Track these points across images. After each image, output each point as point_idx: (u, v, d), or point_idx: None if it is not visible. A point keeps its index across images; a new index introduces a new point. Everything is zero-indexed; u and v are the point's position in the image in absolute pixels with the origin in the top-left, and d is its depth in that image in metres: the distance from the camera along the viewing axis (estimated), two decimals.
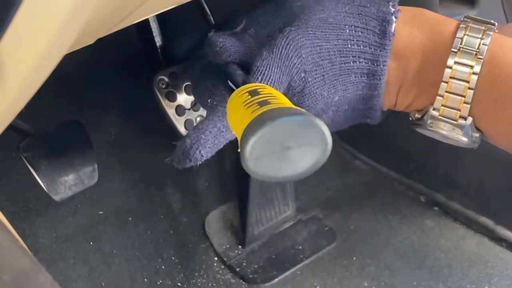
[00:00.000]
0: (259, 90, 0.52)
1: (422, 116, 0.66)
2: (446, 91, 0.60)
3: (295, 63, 0.60)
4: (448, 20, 0.65)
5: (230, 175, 1.38)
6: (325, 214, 1.43)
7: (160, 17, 1.04)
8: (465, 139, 0.64)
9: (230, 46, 0.66)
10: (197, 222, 1.35)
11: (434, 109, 0.63)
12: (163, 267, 1.25)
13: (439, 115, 0.63)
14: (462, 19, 0.64)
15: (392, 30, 0.62)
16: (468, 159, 1.31)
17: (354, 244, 1.36)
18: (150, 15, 0.71)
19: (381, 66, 0.62)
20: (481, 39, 0.61)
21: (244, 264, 1.29)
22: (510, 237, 1.33)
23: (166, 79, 1.04)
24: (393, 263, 1.30)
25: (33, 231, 1.16)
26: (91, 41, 0.55)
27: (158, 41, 1.06)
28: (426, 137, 0.73)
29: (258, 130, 0.46)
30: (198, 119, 1.08)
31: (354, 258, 1.32)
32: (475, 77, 0.59)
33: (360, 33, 0.61)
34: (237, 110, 0.51)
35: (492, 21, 0.64)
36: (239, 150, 0.49)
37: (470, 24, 0.62)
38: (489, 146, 0.71)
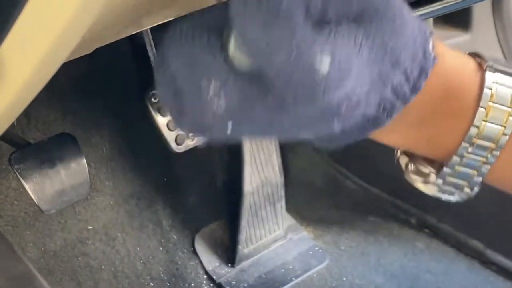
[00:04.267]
0: None
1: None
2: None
3: None
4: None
5: (221, 192, 1.38)
6: (316, 234, 1.43)
7: (154, 31, 1.04)
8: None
9: None
10: (187, 239, 1.34)
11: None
12: (151, 284, 1.24)
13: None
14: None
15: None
16: None
17: (344, 264, 1.35)
18: (148, 26, 0.71)
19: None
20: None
21: (234, 282, 1.28)
22: (500, 260, 1.33)
23: None
24: (383, 284, 1.30)
25: (21, 245, 1.15)
26: (90, 50, 0.55)
27: (151, 55, 1.06)
28: None
29: None
30: (191, 133, 1.08)
31: (344, 278, 1.32)
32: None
33: None
34: None
35: None
36: None
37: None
38: None
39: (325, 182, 1.52)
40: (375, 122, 0.45)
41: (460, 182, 0.51)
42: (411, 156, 0.55)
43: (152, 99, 1.03)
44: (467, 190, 0.52)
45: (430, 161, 0.54)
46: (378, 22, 0.41)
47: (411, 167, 0.55)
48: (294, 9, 0.37)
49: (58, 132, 1.03)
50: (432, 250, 1.39)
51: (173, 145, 1.05)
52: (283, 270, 1.33)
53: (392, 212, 1.45)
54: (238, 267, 1.32)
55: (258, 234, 1.34)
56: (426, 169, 0.53)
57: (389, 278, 1.32)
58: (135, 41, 1.04)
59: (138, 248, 1.27)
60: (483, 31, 1.27)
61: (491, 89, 0.46)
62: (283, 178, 1.34)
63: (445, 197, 0.53)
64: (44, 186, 0.90)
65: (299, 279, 1.31)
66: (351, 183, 1.54)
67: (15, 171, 0.88)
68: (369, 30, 0.41)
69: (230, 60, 0.40)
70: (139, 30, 0.68)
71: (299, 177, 1.50)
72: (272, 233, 1.37)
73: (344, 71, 0.38)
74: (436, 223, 1.41)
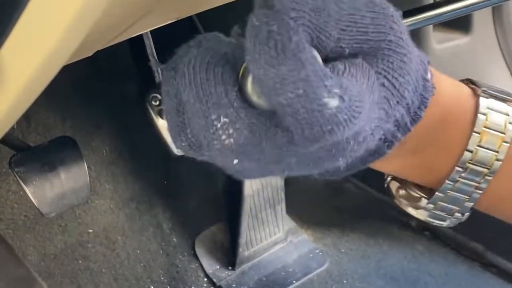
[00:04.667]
0: None
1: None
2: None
3: None
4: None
5: (222, 195, 1.38)
6: (316, 236, 1.42)
7: (154, 35, 1.04)
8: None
9: None
10: (187, 242, 1.34)
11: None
12: (152, 287, 1.24)
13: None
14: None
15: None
16: None
17: (344, 267, 1.35)
18: (149, 29, 0.71)
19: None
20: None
21: (234, 285, 1.28)
22: (500, 262, 1.33)
23: (159, 96, 1.04)
24: (383, 287, 1.30)
25: (21, 248, 1.15)
26: (90, 53, 0.55)
27: (151, 59, 1.06)
28: None
29: None
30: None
31: (345, 281, 1.32)
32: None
33: None
34: None
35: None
36: None
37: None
38: None
39: (325, 184, 1.52)
40: (376, 153, 0.45)
41: (451, 207, 0.51)
42: (401, 182, 0.55)
43: (152, 102, 1.03)
44: (458, 215, 0.52)
45: (420, 187, 0.53)
46: (390, 58, 0.41)
47: (401, 192, 0.55)
48: (303, 45, 0.36)
49: (58, 135, 1.03)
50: (432, 252, 1.39)
51: (173, 148, 1.05)
52: (283, 273, 1.33)
53: (392, 215, 1.45)
54: (238, 270, 1.32)
55: (259, 237, 1.34)
56: (417, 194, 0.53)
57: (389, 280, 1.32)
58: (135, 44, 1.04)
59: (138, 251, 1.27)
60: (483, 34, 1.28)
61: (485, 114, 0.47)
62: (283, 180, 1.34)
63: (435, 222, 0.53)
64: (44, 189, 0.90)
65: (300, 282, 1.31)
66: (351, 186, 1.54)
67: (15, 174, 0.88)
68: (381, 68, 0.41)
69: (248, 98, 0.39)
70: (140, 32, 0.68)
71: (299, 179, 1.49)
72: (273, 236, 1.37)
73: (354, 111, 0.37)
74: (436, 226, 1.41)
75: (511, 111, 0.48)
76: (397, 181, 0.55)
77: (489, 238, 1.33)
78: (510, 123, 0.48)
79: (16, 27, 0.35)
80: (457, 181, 0.49)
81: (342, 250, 1.39)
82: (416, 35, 1.16)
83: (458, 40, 1.25)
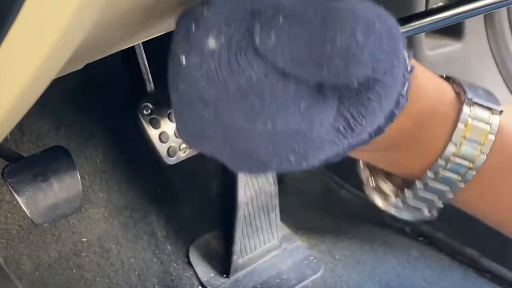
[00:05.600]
0: None
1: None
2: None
3: None
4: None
5: (216, 203, 1.38)
6: (311, 243, 1.42)
7: (145, 43, 1.04)
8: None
9: None
10: (181, 250, 1.33)
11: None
12: None
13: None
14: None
15: None
16: None
17: (339, 273, 1.35)
18: (141, 41, 0.71)
19: None
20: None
21: None
22: (495, 268, 1.33)
23: (151, 106, 1.05)
24: None
25: (15, 258, 1.15)
26: (80, 66, 0.55)
27: (143, 68, 1.07)
28: None
29: None
30: (183, 146, 1.08)
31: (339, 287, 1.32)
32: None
33: None
34: None
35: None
36: None
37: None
38: None
39: (320, 191, 1.52)
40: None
41: (420, 205, 0.51)
42: (372, 171, 0.55)
43: (144, 111, 1.04)
44: (425, 213, 0.52)
45: (390, 180, 0.53)
46: (378, 92, 0.39)
47: (371, 182, 0.55)
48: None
49: (51, 144, 1.03)
50: (427, 258, 1.39)
51: (164, 157, 1.05)
52: (278, 280, 1.33)
53: (387, 221, 1.45)
54: (233, 278, 1.32)
55: (253, 244, 1.34)
56: (387, 187, 0.53)
57: (384, 286, 1.32)
58: (127, 53, 1.04)
59: (132, 260, 1.26)
60: (475, 40, 1.28)
61: (465, 124, 0.46)
62: (277, 187, 1.34)
63: (399, 215, 0.53)
64: (37, 200, 0.90)
65: None
66: (346, 192, 1.54)
67: (8, 185, 0.88)
68: (367, 105, 0.39)
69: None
70: (131, 45, 0.68)
71: (293, 186, 1.50)
72: (267, 243, 1.37)
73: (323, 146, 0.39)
74: (431, 232, 1.41)
75: (494, 120, 0.47)
76: (368, 168, 0.55)
77: (484, 243, 1.33)
78: (490, 133, 0.47)
79: (4, 40, 0.35)
80: (428, 184, 0.48)
81: (337, 257, 1.39)
82: (408, 41, 1.17)
83: (450, 47, 1.26)
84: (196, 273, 1.31)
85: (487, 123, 0.47)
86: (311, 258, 1.38)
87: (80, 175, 0.97)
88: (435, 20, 0.99)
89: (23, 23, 0.33)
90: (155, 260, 1.29)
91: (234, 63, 0.36)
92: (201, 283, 1.29)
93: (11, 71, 0.36)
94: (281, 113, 0.36)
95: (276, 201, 1.35)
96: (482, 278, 1.34)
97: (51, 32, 0.34)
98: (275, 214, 1.37)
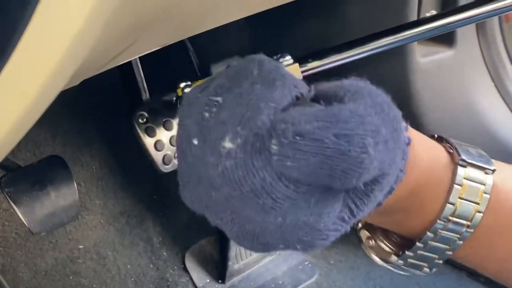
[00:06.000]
0: None
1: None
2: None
3: None
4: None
5: None
6: None
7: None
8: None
9: None
10: (177, 256, 1.34)
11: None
12: None
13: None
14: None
15: None
16: None
17: (334, 278, 1.36)
18: (137, 56, 0.72)
19: None
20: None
21: None
22: None
23: (146, 114, 1.05)
24: None
25: (12, 265, 1.15)
26: (76, 82, 0.56)
27: (138, 77, 1.07)
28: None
29: None
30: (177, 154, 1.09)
31: None
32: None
33: None
34: None
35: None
36: None
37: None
38: None
39: None
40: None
41: (420, 263, 0.53)
42: (371, 232, 0.56)
43: (139, 120, 1.04)
44: (426, 270, 0.54)
45: (388, 239, 0.55)
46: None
47: (371, 243, 0.56)
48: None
49: (48, 152, 1.04)
50: None
51: (160, 165, 1.06)
52: (273, 285, 1.34)
53: None
54: (228, 283, 1.32)
55: (248, 250, 1.35)
56: (386, 246, 0.55)
57: None
58: (123, 63, 1.05)
59: (129, 266, 1.27)
60: (467, 47, 1.29)
61: (461, 185, 0.48)
62: None
63: (398, 271, 0.55)
64: (34, 209, 0.91)
65: None
66: None
67: (5, 194, 0.89)
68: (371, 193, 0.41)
69: None
70: (128, 60, 0.69)
71: None
72: None
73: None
74: None
75: (487, 180, 0.49)
76: (367, 230, 0.56)
77: None
78: (485, 193, 0.49)
79: (9, 60, 0.35)
80: (427, 245, 0.50)
81: (331, 262, 1.40)
82: (401, 49, 1.18)
83: (442, 54, 1.26)
84: (192, 279, 1.32)
85: (482, 183, 0.49)
86: (306, 263, 1.39)
87: (76, 183, 0.98)
88: (428, 30, 1.01)
89: (29, 40, 0.34)
90: (151, 266, 1.30)
91: (250, 164, 0.37)
92: None
93: (16, 89, 0.36)
94: (292, 209, 0.38)
95: None
96: (475, 282, 1.35)
97: (55, 51, 0.35)
98: None
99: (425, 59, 1.24)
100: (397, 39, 1.00)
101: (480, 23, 1.30)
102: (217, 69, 1.09)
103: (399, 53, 1.19)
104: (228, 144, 0.37)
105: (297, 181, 0.37)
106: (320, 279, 1.36)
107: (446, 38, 1.26)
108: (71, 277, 1.21)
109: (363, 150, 0.36)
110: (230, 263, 1.32)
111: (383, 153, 0.37)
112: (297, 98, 0.39)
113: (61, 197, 0.94)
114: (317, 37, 1.27)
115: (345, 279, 1.36)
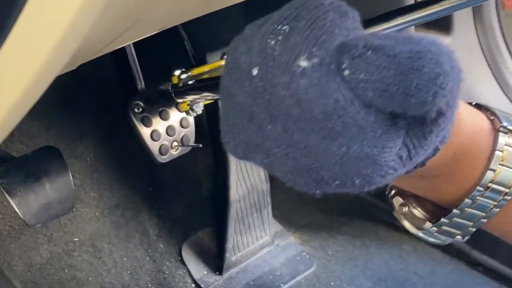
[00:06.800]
0: None
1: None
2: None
3: None
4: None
5: (208, 200, 1.38)
6: (303, 239, 1.43)
7: (136, 42, 1.04)
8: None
9: None
10: (174, 248, 1.33)
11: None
12: None
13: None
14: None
15: None
16: None
17: (332, 269, 1.35)
18: (133, 40, 0.71)
19: None
20: None
21: None
22: (486, 261, 1.33)
23: (142, 104, 1.04)
24: None
25: (6, 259, 1.14)
26: (73, 67, 0.55)
27: (133, 66, 1.06)
28: None
29: None
30: (174, 144, 1.08)
31: (332, 283, 1.32)
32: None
33: None
34: None
35: None
36: None
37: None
38: None
39: None
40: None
41: (453, 231, 0.53)
42: (405, 198, 0.56)
43: (135, 110, 1.03)
44: (458, 238, 0.54)
45: (422, 206, 0.55)
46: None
47: (404, 209, 0.56)
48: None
49: (42, 143, 1.02)
50: (418, 252, 1.39)
51: (156, 155, 1.05)
52: (271, 277, 1.33)
53: (378, 216, 1.46)
54: (226, 275, 1.32)
55: (245, 241, 1.34)
56: (420, 213, 0.55)
57: (377, 281, 1.32)
58: (117, 52, 1.04)
59: (125, 259, 1.26)
60: (464, 34, 1.28)
61: (502, 151, 0.48)
62: (269, 184, 1.34)
63: (430, 240, 0.55)
64: (29, 200, 0.89)
65: (287, 285, 1.31)
66: None
67: None
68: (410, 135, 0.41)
69: None
70: (124, 45, 0.67)
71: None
72: (259, 240, 1.37)
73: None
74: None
75: None
76: (401, 197, 0.56)
77: (475, 237, 1.33)
78: None
79: (3, 47, 0.34)
80: (463, 211, 0.50)
81: (329, 252, 1.39)
82: None
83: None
84: (189, 271, 1.31)
85: None
86: (304, 254, 1.39)
87: (71, 175, 0.96)
88: (425, 14, 1.00)
89: (24, 25, 0.33)
90: (148, 258, 1.29)
91: (324, 84, 0.36)
92: (194, 281, 1.29)
93: (12, 74, 0.35)
94: (359, 138, 0.37)
95: (268, 198, 1.35)
96: (473, 271, 1.34)
97: (53, 34, 0.34)
98: (267, 211, 1.37)
99: None
100: (394, 24, 0.98)
101: (476, 9, 1.29)
102: (213, 58, 1.08)
103: None
104: (303, 63, 0.37)
105: (368, 107, 0.36)
106: (318, 270, 1.35)
107: (442, 25, 1.25)
108: (66, 270, 1.19)
109: (437, 66, 0.35)
110: (227, 254, 1.31)
111: (456, 77, 0.36)
112: None
113: (57, 189, 0.92)
114: None
115: (343, 270, 1.35)
